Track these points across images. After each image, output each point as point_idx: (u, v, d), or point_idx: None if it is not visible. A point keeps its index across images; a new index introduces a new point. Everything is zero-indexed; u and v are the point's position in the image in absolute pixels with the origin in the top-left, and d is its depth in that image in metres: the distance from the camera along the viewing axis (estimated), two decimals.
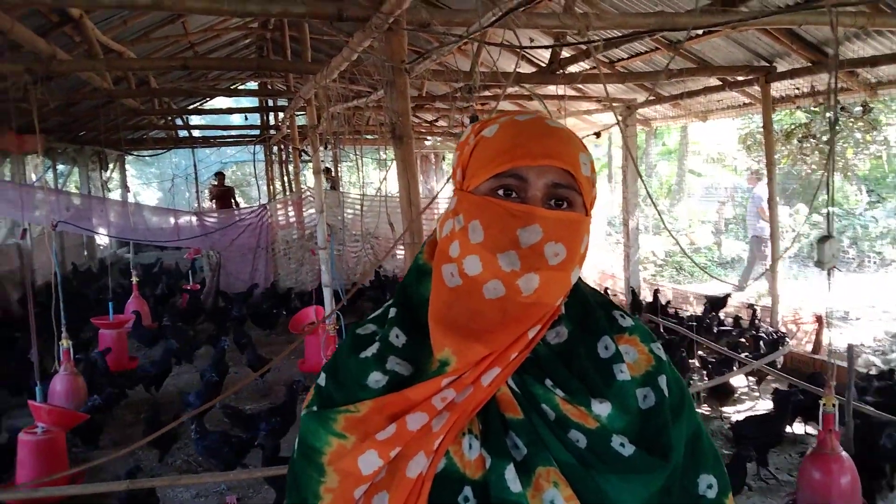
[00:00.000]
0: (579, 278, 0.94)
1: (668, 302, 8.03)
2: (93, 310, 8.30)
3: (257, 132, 14.86)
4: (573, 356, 0.90)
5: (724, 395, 5.39)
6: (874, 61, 5.91)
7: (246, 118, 15.42)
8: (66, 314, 5.22)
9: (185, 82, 12.02)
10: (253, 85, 14.68)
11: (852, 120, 10.31)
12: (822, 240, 3.53)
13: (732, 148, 15.52)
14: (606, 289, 9.67)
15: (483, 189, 0.88)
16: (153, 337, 7.72)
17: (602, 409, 0.86)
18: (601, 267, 10.48)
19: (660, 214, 3.59)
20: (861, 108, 8.45)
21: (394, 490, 0.81)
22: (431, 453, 0.82)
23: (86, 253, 15.04)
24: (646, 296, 8.89)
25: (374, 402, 0.84)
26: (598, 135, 6.62)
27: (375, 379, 0.87)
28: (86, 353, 6.60)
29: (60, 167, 14.02)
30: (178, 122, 14.53)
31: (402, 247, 3.93)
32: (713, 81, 7.65)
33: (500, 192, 0.87)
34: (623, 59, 7.69)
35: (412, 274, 0.96)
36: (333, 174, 17.73)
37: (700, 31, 5.56)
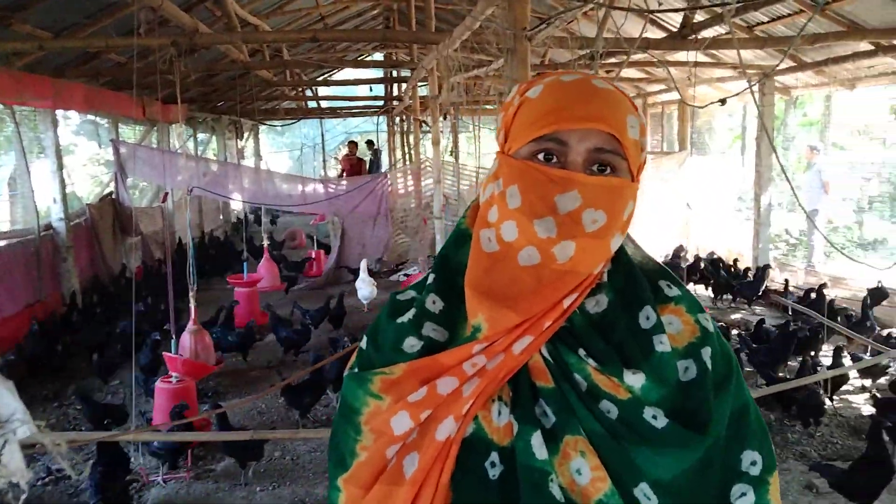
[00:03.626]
0: (631, 243, 0.92)
1: (824, 286, 6.92)
2: (229, 269, 8.87)
3: (381, 103, 15.21)
4: (611, 326, 0.88)
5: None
6: None
7: (371, 89, 15.81)
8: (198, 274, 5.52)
9: (315, 54, 12.45)
10: (379, 56, 14.97)
11: None
12: None
13: (883, 119, 14.19)
14: (733, 263, 9.15)
15: (523, 153, 0.86)
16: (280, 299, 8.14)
17: (635, 380, 0.84)
18: (728, 245, 9.95)
19: (794, 190, 3.34)
20: None
21: (423, 451, 0.83)
22: (460, 417, 0.83)
23: (221, 217, 16.04)
24: (775, 276, 8.38)
25: (408, 365, 0.85)
26: (722, 102, 6.18)
27: (411, 344, 0.88)
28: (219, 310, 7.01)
29: (200, 136, 14.99)
30: (308, 93, 15.10)
31: None
32: (864, 46, 6.98)
33: (541, 156, 0.85)
34: (763, 23, 7.19)
35: (452, 239, 0.96)
36: (376, 146, 17.65)
37: None
